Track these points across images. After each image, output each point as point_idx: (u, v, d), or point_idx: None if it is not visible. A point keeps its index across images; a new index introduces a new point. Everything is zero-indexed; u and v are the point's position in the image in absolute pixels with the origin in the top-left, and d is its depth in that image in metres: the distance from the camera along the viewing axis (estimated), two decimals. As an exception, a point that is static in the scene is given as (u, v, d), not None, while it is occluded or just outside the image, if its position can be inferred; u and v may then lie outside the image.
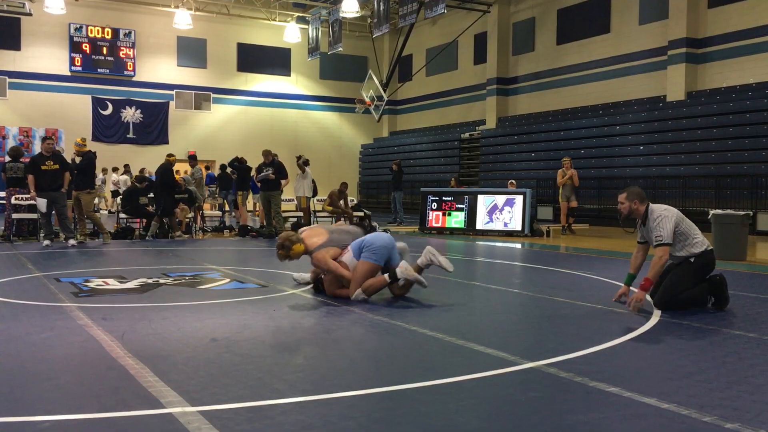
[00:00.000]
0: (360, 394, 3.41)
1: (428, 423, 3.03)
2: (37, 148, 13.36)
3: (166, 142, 28.85)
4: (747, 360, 4.16)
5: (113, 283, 7.08)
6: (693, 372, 3.89)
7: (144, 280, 7.35)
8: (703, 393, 3.48)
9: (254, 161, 14.50)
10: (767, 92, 17.75)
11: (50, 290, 6.61)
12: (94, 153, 13.26)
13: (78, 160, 12.95)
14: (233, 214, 17.90)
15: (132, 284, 7.04)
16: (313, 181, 16.22)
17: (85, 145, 12.91)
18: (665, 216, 5.61)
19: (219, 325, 5.08)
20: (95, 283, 7.10)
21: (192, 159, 16.75)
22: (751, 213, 10.82)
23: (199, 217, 15.40)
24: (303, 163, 16.09)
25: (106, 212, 23.75)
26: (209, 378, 3.68)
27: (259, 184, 14.37)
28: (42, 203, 11.49)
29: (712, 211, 10.63)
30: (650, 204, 5.77)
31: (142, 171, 20.83)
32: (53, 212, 11.83)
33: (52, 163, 11.68)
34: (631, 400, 3.34)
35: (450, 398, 3.42)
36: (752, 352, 4.34)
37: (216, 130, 30.01)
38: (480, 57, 28.00)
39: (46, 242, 11.57)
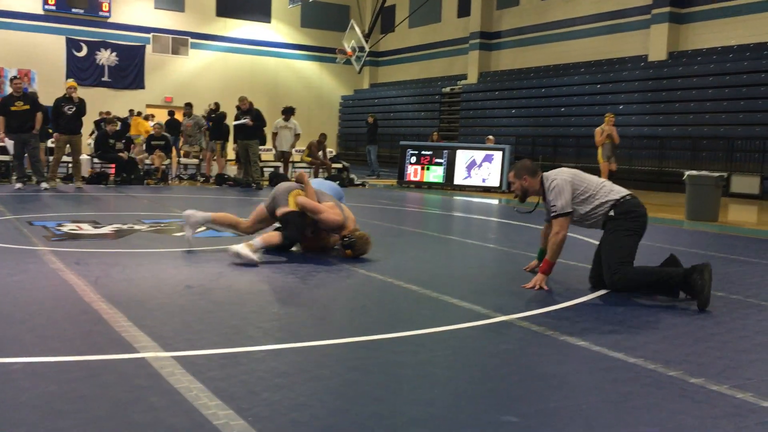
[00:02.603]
0: (335, 343, 3.44)
1: (401, 371, 3.07)
2: (9, 89, 13.03)
3: (142, 87, 28.30)
4: (714, 318, 4.25)
5: (87, 228, 7.01)
6: (661, 328, 3.97)
7: (118, 225, 7.28)
8: (669, 349, 3.56)
9: (233, 109, 14.28)
10: (747, 55, 17.80)
11: (23, 233, 6.53)
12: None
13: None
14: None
15: (106, 230, 6.97)
16: (296, 136, 15.85)
17: (75, 88, 12.47)
18: (558, 181, 4.77)
19: (194, 272, 5.07)
20: (69, 227, 7.02)
21: (187, 107, 16.14)
22: (725, 175, 10.93)
23: (175, 165, 15.22)
24: (286, 111, 15.64)
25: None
26: (183, 324, 3.68)
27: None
28: (10, 145, 11.26)
29: (686, 173, 10.73)
30: (545, 173, 4.96)
31: (107, 113, 20.35)
32: (25, 154, 11.61)
33: (21, 103, 11.41)
34: (600, 354, 3.41)
35: (423, 349, 3.46)
36: (720, 311, 4.43)
37: (194, 76, 29.44)
38: (464, 10, 27.64)
39: (19, 185, 11.38)
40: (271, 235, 5.51)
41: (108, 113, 21.18)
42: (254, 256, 5.25)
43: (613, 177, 14.02)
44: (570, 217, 4.77)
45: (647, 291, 4.73)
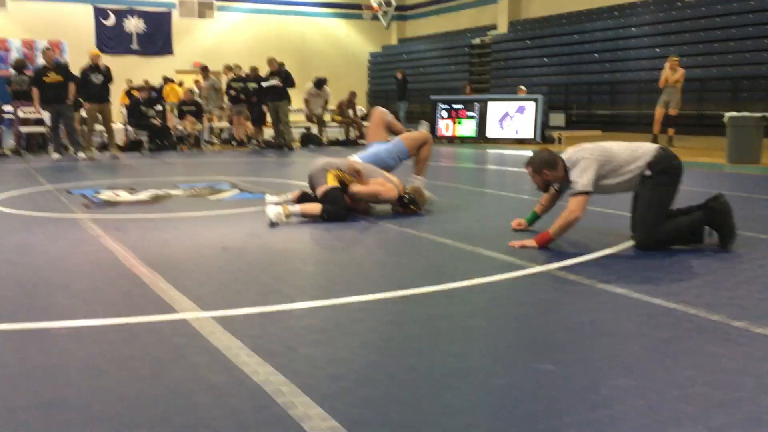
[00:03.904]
0: (370, 298, 3.45)
1: (437, 324, 3.07)
2: (41, 60, 13.15)
3: (171, 53, 28.34)
4: (756, 260, 4.15)
5: (124, 195, 7.11)
6: (701, 273, 3.90)
7: (155, 191, 7.37)
8: (710, 293, 3.49)
9: (261, 71, 14.24)
10: (791, -11, 17.03)
11: (62, 202, 6.65)
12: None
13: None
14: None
15: (143, 195, 7.07)
16: (326, 102, 15.86)
17: (100, 56, 12.55)
18: (585, 158, 4.39)
19: (230, 234, 5.11)
20: (106, 194, 7.13)
21: (204, 70, 16.26)
22: (767, 115, 10.58)
23: (207, 130, 15.29)
24: (319, 83, 15.64)
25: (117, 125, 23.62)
26: (221, 285, 3.73)
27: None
28: (46, 117, 11.41)
29: (726, 114, 10.42)
30: (563, 155, 4.57)
31: (146, 82, 20.51)
32: (61, 125, 11.76)
33: (55, 74, 11.50)
34: (639, 301, 3.36)
35: (458, 301, 3.45)
36: (762, 252, 4.33)
37: (221, 39, 29.34)
38: (492, -43, 26.90)
39: (56, 155, 11.57)
40: (312, 206, 5.51)
41: (130, 81, 21.34)
42: (285, 220, 5.25)
43: (669, 122, 13.66)
44: (589, 197, 4.39)
45: (678, 244, 4.48)
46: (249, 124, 14.73)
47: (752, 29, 17.14)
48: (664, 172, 4.40)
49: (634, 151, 4.47)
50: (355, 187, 5.70)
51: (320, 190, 5.62)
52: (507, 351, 2.76)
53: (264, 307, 3.28)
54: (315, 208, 5.49)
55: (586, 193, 4.36)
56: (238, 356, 2.62)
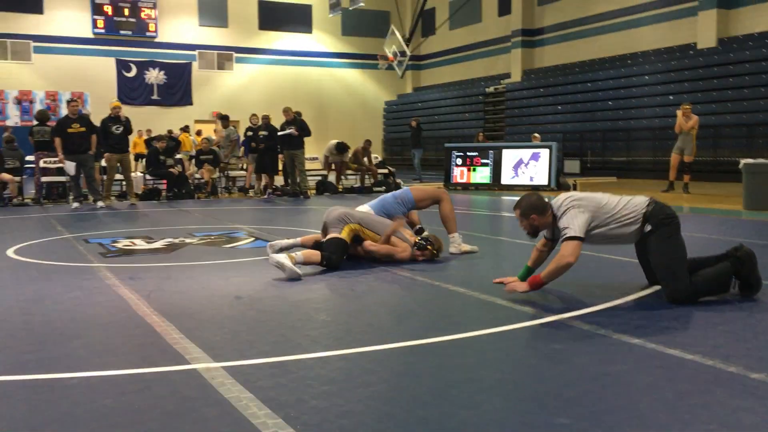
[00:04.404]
0: (382, 348, 3.43)
1: (450, 376, 3.04)
2: (64, 111, 13.51)
3: (190, 103, 28.95)
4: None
5: (140, 244, 7.18)
6: (718, 322, 3.84)
7: (170, 239, 7.43)
8: (728, 343, 3.44)
9: (278, 121, 14.46)
10: (803, 36, 17.16)
11: (79, 251, 6.72)
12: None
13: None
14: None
15: (159, 244, 7.13)
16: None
17: (120, 107, 12.86)
18: (574, 206, 4.32)
19: (244, 283, 5.13)
20: (123, 243, 7.20)
21: (224, 119, 16.47)
22: (783, 162, 10.54)
23: (224, 178, 15.46)
24: (340, 149, 15.84)
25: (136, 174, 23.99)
26: (233, 335, 3.73)
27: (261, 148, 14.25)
28: (70, 166, 11.61)
29: (742, 161, 10.39)
30: (552, 203, 4.51)
31: (170, 132, 20.90)
32: (81, 175, 11.96)
33: (78, 125, 11.76)
34: (655, 351, 3.31)
35: (472, 351, 3.42)
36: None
37: (239, 89, 29.95)
38: (504, 8, 27.41)
39: (75, 204, 11.73)
40: (312, 253, 5.48)
41: (149, 131, 21.76)
42: (296, 269, 5.21)
43: (690, 168, 13.56)
44: (582, 244, 4.28)
45: (707, 296, 4.34)
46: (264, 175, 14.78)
47: (765, 77, 17.22)
48: (663, 224, 4.31)
49: (626, 205, 4.39)
50: (371, 246, 5.75)
51: (329, 235, 5.65)
52: (521, 404, 2.72)
53: (275, 357, 3.27)
54: (316, 255, 5.49)
55: (579, 238, 4.26)
56: (248, 408, 2.61)
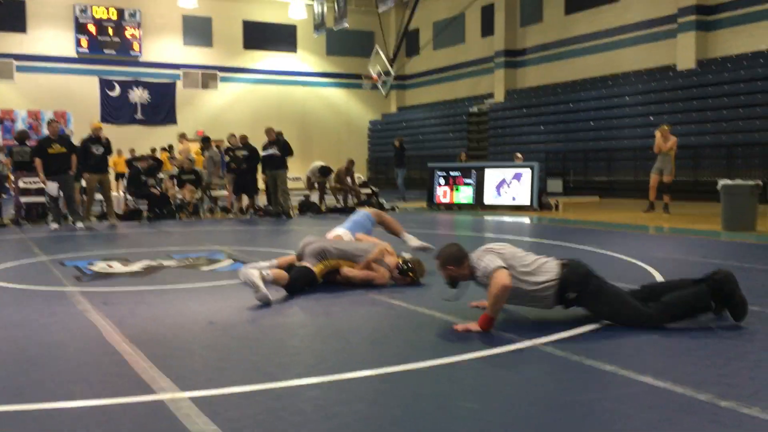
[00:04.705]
0: (354, 376, 3.39)
1: (420, 405, 3.01)
2: (46, 130, 13.42)
3: (175, 122, 28.87)
4: (748, 335, 4.10)
5: (117, 267, 7.10)
6: (691, 348, 3.84)
7: (148, 262, 7.36)
8: (700, 370, 3.44)
9: (259, 141, 14.45)
10: (779, 59, 17.44)
11: (54, 275, 6.64)
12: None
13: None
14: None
15: (135, 267, 7.06)
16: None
17: (101, 128, 12.80)
18: (489, 253, 4.35)
19: (219, 307, 5.08)
20: (99, 266, 7.12)
21: (205, 141, 16.52)
22: (761, 183, 10.66)
23: (206, 198, 15.38)
24: (324, 172, 15.89)
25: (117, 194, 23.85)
26: (204, 363, 3.68)
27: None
28: (53, 187, 11.51)
29: (720, 182, 10.49)
30: (470, 255, 4.45)
31: (153, 151, 20.81)
32: (61, 195, 11.86)
33: (59, 146, 11.68)
34: (627, 379, 3.30)
35: (444, 379, 3.40)
36: (754, 327, 4.28)
37: (224, 109, 29.96)
38: (487, 29, 27.68)
39: (55, 225, 11.61)
40: (281, 275, 5.44)
41: (133, 151, 21.69)
42: (267, 293, 5.07)
43: (664, 189, 13.64)
44: (507, 271, 4.19)
45: (683, 318, 4.30)
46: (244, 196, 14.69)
47: (743, 98, 17.47)
48: (584, 285, 4.26)
49: (540, 266, 4.34)
50: (350, 272, 5.73)
51: (302, 263, 5.64)
52: (489, 434, 2.70)
53: (245, 386, 3.22)
54: (284, 278, 5.43)
55: (501, 267, 4.19)
56: (212, 441, 2.56)
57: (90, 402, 3.02)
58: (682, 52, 19.86)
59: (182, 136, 17.39)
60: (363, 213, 6.98)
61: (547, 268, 4.33)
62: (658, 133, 13.65)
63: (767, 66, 17.40)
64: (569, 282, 4.27)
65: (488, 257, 4.30)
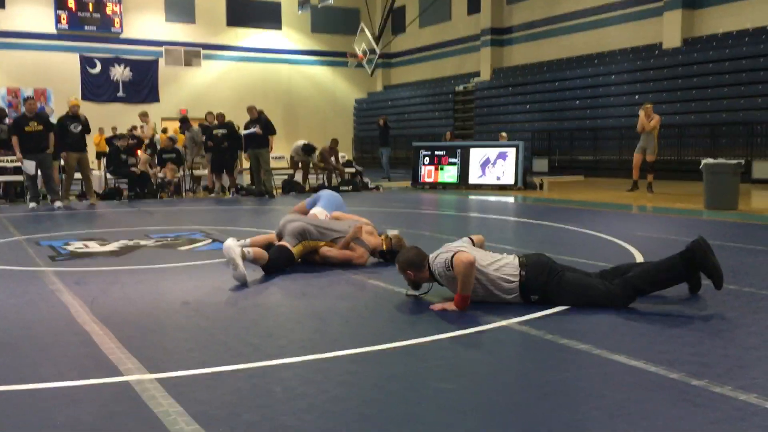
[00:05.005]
0: (325, 357, 3.35)
1: (391, 386, 2.97)
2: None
3: (157, 100, 28.54)
4: (723, 313, 4.09)
5: (93, 246, 7.01)
6: (665, 327, 3.83)
7: (125, 242, 7.27)
8: (674, 349, 3.42)
9: (241, 119, 14.30)
10: (764, 38, 17.42)
11: (28, 254, 6.54)
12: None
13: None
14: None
15: (112, 246, 6.96)
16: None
17: (79, 106, 12.59)
18: (444, 251, 4.33)
19: (194, 287, 5.01)
20: (75, 246, 7.02)
21: (184, 120, 16.36)
22: (743, 162, 10.68)
23: (189, 177, 15.24)
24: (307, 150, 15.66)
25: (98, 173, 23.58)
26: (174, 343, 3.62)
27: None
28: (30, 166, 11.34)
29: (703, 161, 10.49)
30: (429, 257, 4.42)
31: (131, 130, 20.56)
32: (39, 174, 11.69)
33: (36, 123, 11.48)
34: (600, 358, 3.28)
35: (416, 360, 3.36)
36: (730, 305, 4.27)
37: (207, 87, 29.61)
38: (474, 7, 27.45)
39: (32, 204, 11.45)
40: (262, 254, 5.37)
41: (114, 128, 21.41)
42: (244, 272, 5.01)
43: (648, 168, 13.67)
44: (467, 252, 4.16)
45: (659, 289, 4.35)
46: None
47: (728, 77, 17.46)
48: (547, 284, 4.20)
49: (500, 268, 4.27)
50: (329, 252, 5.68)
51: (281, 243, 5.59)
52: (460, 415, 2.66)
53: (214, 367, 3.17)
54: (264, 257, 5.38)
55: (461, 250, 4.19)
56: (176, 423, 2.51)
57: (55, 384, 2.96)
58: (668, 31, 19.80)
59: (144, 115, 17.16)
60: (329, 192, 7.00)
61: (507, 271, 4.26)
62: (641, 112, 13.63)
63: (752, 45, 17.37)
64: (530, 285, 4.23)
65: (444, 254, 4.26)
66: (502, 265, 4.30)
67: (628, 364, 3.18)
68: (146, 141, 15.83)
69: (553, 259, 4.42)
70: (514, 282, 4.25)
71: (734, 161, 10.40)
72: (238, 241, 5.41)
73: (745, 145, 16.45)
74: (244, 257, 5.09)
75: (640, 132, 13.66)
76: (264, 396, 2.82)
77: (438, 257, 4.33)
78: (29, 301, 4.58)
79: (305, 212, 6.56)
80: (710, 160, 10.54)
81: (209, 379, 3.03)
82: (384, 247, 5.89)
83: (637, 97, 19.22)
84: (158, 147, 15.28)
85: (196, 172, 15.30)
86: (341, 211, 6.46)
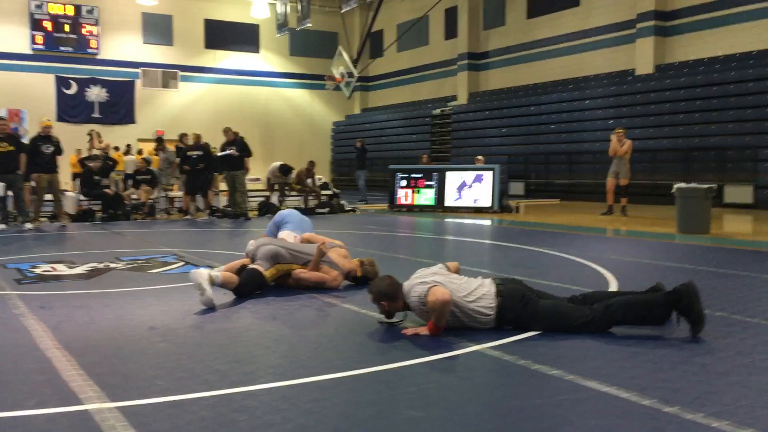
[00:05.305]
0: (293, 383, 3.28)
1: (360, 413, 2.91)
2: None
3: (133, 122, 28.32)
4: (695, 339, 4.08)
5: (61, 269, 6.86)
6: (637, 352, 3.81)
7: (94, 264, 7.13)
8: (645, 374, 3.39)
9: (218, 141, 14.21)
10: (734, 65, 17.78)
11: (-7, 277, 6.38)
12: None
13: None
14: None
15: (80, 269, 6.82)
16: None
17: (51, 126, 12.44)
18: (419, 282, 4.27)
19: (162, 312, 4.91)
20: (42, 268, 6.87)
21: (159, 141, 16.27)
22: (714, 186, 10.80)
23: (163, 199, 15.09)
24: (284, 171, 15.73)
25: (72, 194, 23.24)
26: (138, 370, 3.52)
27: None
28: (1, 187, 11.15)
29: (675, 185, 10.60)
30: (403, 286, 4.37)
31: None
32: (9, 195, 11.50)
33: (6, 144, 11.32)
34: (572, 384, 3.24)
35: (386, 386, 3.30)
36: (704, 330, 4.26)
37: (184, 108, 29.45)
38: (451, 32, 27.74)
39: (2, 226, 11.24)
40: (231, 278, 5.29)
41: (80, 152, 21.10)
42: (211, 297, 4.93)
43: (621, 192, 13.85)
44: (442, 287, 4.12)
45: (635, 325, 4.21)
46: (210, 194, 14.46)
47: (700, 103, 17.75)
48: (521, 314, 4.17)
49: (478, 297, 4.22)
50: (303, 274, 5.62)
51: (253, 265, 5.51)
52: (427, 443, 2.60)
53: (177, 395, 3.08)
54: (234, 282, 5.30)
55: (436, 283, 4.15)
56: (134, 455, 2.42)
57: (10, 413, 2.85)
58: (641, 57, 20.13)
59: (95, 135, 16.99)
60: (294, 212, 6.88)
61: (484, 303, 4.20)
62: (613, 137, 13.80)
63: (723, 71, 17.71)
64: (505, 316, 4.20)
65: (419, 288, 4.19)
66: (479, 297, 4.23)
67: (600, 390, 3.15)
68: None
69: (528, 285, 4.39)
70: (490, 315, 4.20)
71: (706, 185, 10.51)
72: (211, 269, 5.33)
73: (717, 170, 16.68)
74: (212, 282, 5.00)
75: (612, 156, 13.82)
76: (228, 425, 2.74)
77: (412, 290, 4.24)
78: (-10, 326, 4.45)
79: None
80: (683, 185, 10.65)
81: (172, 407, 2.94)
82: (358, 273, 5.86)
83: (611, 121, 19.44)
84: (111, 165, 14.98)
85: (171, 194, 15.15)
86: (310, 233, 6.41)
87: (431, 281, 4.22)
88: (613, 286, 5.76)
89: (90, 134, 17.38)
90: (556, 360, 3.61)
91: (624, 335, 4.13)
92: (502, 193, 15.95)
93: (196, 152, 13.90)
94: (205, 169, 13.89)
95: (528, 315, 4.19)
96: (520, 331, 4.18)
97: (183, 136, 14.87)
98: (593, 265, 6.95)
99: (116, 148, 20.32)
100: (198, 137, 14.31)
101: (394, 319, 4.52)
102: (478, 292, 4.26)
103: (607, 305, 4.16)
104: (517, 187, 21.47)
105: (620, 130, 13.85)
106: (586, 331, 4.14)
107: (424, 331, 4.16)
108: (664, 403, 2.95)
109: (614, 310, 4.13)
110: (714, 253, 8.44)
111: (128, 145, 21.72)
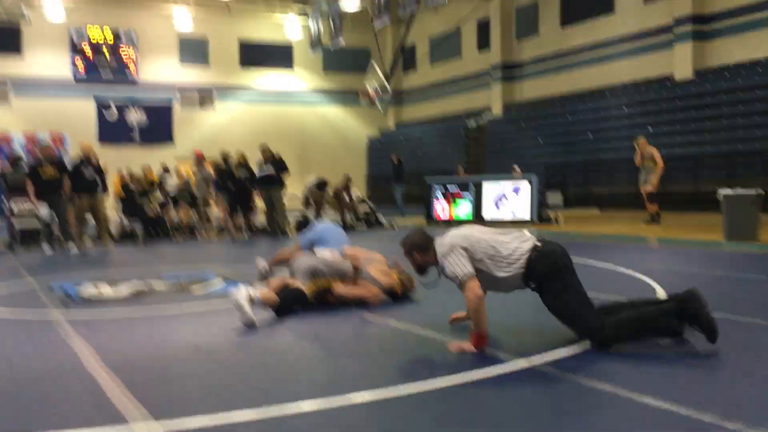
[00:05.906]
0: (339, 404, 3.21)
1: (408, 433, 2.84)
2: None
3: (172, 142, 28.82)
4: (754, 350, 3.93)
5: (105, 290, 6.91)
6: (694, 365, 3.67)
7: (138, 285, 7.17)
8: (703, 388, 3.26)
9: (254, 158, 14.36)
10: (777, 67, 17.34)
11: (40, 300, 6.48)
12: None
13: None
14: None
15: (124, 291, 6.86)
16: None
17: (92, 149, 12.68)
18: (449, 250, 4.08)
19: (205, 331, 4.91)
20: (87, 291, 6.94)
21: (199, 161, 16.38)
22: (762, 192, 10.49)
23: (203, 218, 15.24)
24: (320, 186, 15.93)
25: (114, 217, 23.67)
26: (182, 390, 3.51)
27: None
28: (45, 211, 11.40)
29: (720, 192, 10.33)
30: (436, 241, 4.25)
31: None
32: (54, 219, 11.73)
33: (52, 169, 11.57)
34: (628, 401, 3.13)
35: (436, 404, 3.23)
36: (760, 342, 4.10)
37: (222, 128, 29.89)
38: (483, 43, 27.66)
39: (47, 249, 11.46)
40: (271, 297, 5.28)
41: (121, 172, 21.44)
42: (252, 316, 4.90)
43: (652, 199, 13.71)
44: (475, 278, 4.02)
45: (643, 338, 4.03)
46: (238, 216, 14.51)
47: (742, 106, 17.33)
48: (549, 279, 4.07)
49: (507, 255, 4.11)
50: (342, 289, 5.59)
51: (293, 281, 5.51)
52: (479, 464, 2.52)
53: (218, 413, 3.05)
54: (274, 300, 5.27)
55: (469, 276, 4.01)
56: (182, 478, 2.39)
57: (58, 435, 2.86)
58: (680, 62, 19.78)
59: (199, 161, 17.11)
60: (330, 226, 6.88)
61: (514, 258, 4.09)
62: (636, 147, 13.78)
63: (765, 74, 17.29)
64: (535, 269, 4.08)
65: (453, 258, 4.05)
66: (510, 252, 4.10)
67: (656, 406, 3.03)
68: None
69: (570, 258, 4.21)
70: (520, 263, 4.07)
71: (753, 191, 10.22)
72: (251, 287, 5.32)
73: (762, 175, 16.24)
74: (252, 301, 4.99)
75: (639, 165, 13.75)
76: (275, 446, 2.70)
77: (445, 259, 4.08)
78: (39, 349, 4.50)
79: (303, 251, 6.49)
80: (728, 191, 10.37)
81: (218, 428, 2.92)
82: (398, 290, 5.81)
83: (650, 128, 19.08)
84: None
85: (210, 213, 15.31)
86: (346, 245, 6.36)
87: (464, 268, 4.01)
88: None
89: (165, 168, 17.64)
90: (608, 375, 3.50)
91: (679, 346, 3.99)
92: (540, 204, 15.73)
93: (243, 171, 14.02)
94: (247, 187, 14.01)
95: (550, 292, 4.06)
96: (569, 343, 4.06)
97: (227, 155, 15.00)
98: (639, 275, 6.77)
99: (166, 169, 20.52)
100: (242, 156, 14.43)
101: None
102: (508, 249, 4.12)
103: (620, 320, 3.99)
104: (555, 198, 21.17)
105: (642, 140, 13.80)
106: (591, 340, 4.01)
107: (469, 346, 4.07)
108: (726, 419, 2.82)
109: (626, 324, 3.97)
110: (764, 260, 8.17)
111: (165, 167, 22.02)
